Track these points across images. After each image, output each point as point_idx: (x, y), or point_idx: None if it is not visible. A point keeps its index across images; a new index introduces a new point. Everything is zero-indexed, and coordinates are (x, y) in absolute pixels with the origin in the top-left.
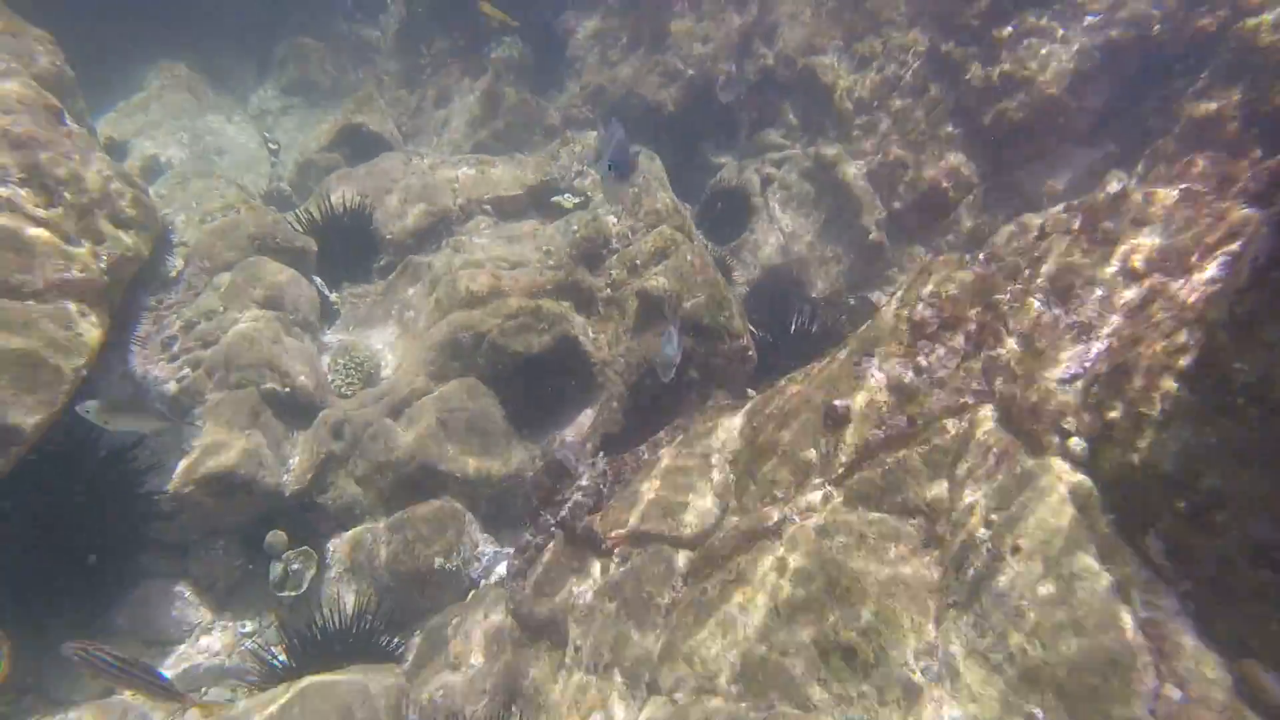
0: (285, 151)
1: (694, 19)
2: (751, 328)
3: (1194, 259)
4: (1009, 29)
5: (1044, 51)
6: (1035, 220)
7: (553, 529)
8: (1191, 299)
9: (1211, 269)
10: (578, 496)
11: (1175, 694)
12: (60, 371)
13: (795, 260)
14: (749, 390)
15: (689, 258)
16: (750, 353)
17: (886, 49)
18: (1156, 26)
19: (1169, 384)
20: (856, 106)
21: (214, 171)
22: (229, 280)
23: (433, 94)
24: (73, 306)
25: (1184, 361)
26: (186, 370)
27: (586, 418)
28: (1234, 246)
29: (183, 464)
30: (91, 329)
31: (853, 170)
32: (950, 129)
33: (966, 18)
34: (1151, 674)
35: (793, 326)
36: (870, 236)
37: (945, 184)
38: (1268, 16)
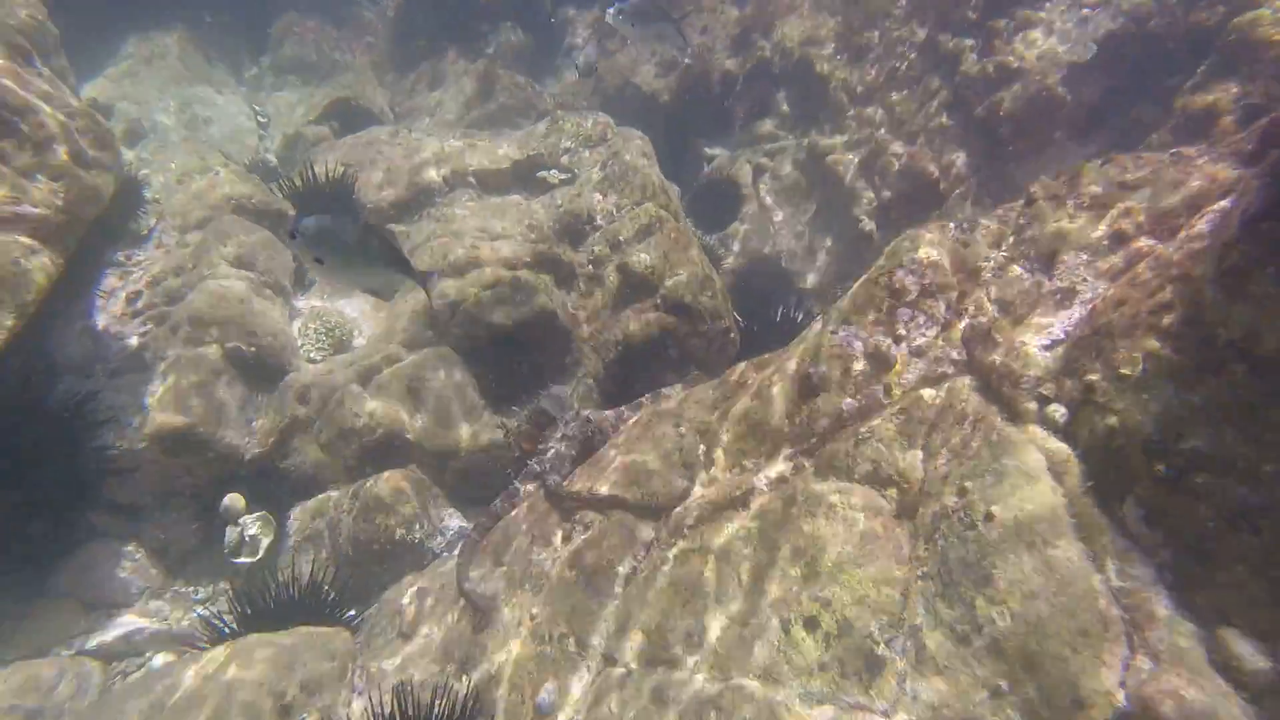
0: (274, 125)
1: (694, 9)
2: (737, 316)
3: (1182, 219)
4: (1005, 20)
5: (1040, 44)
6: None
7: (519, 490)
8: (1177, 257)
9: (1200, 225)
10: (560, 447)
11: (1146, 664)
12: (6, 305)
13: (785, 250)
14: None
15: (672, 236)
16: (732, 335)
17: (884, 40)
18: (1154, 20)
19: (1151, 343)
20: (851, 98)
21: (198, 140)
22: (199, 238)
23: (428, 75)
24: (23, 240)
25: (1168, 319)
26: (150, 326)
27: (563, 393)
28: (1224, 204)
29: (137, 420)
30: (42, 265)
31: (845, 161)
32: (945, 120)
33: (964, 10)
34: (1123, 644)
35: (778, 316)
36: (861, 226)
37: (937, 175)
38: (1266, 10)
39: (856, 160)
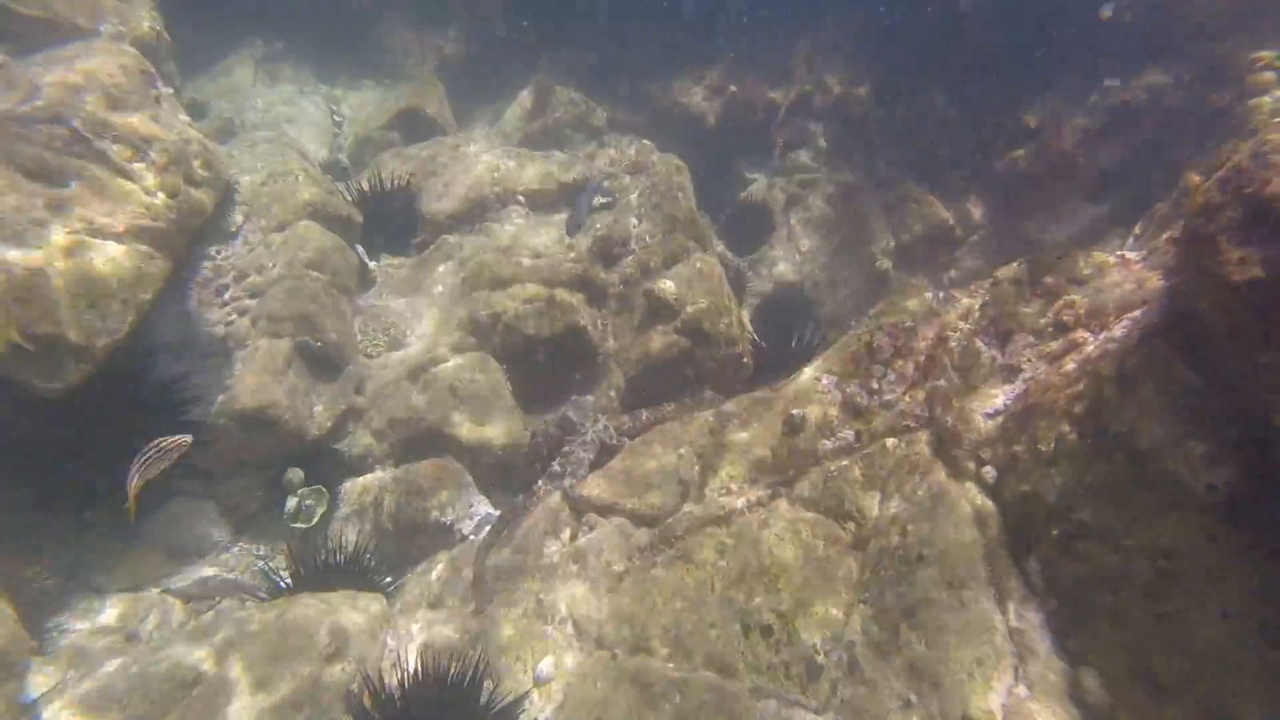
0: (348, 125)
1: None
2: (757, 337)
3: (1110, 319)
4: (1033, 80)
5: (1058, 108)
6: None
7: (541, 488)
8: (1094, 354)
9: (1116, 329)
10: (578, 452)
11: (1023, 691)
12: (127, 303)
13: (808, 279)
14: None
15: (698, 265)
16: (746, 360)
17: (913, 86)
18: (1169, 95)
19: (1064, 426)
20: (883, 141)
21: (280, 139)
22: (280, 240)
23: (490, 88)
24: (144, 248)
25: (1078, 408)
26: (234, 316)
27: (587, 402)
28: (1137, 313)
29: (220, 399)
30: (157, 269)
31: (869, 201)
32: (966, 173)
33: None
34: (1010, 674)
35: (794, 342)
36: (877, 265)
37: (953, 223)
38: (1267, 99)
39: (881, 200)
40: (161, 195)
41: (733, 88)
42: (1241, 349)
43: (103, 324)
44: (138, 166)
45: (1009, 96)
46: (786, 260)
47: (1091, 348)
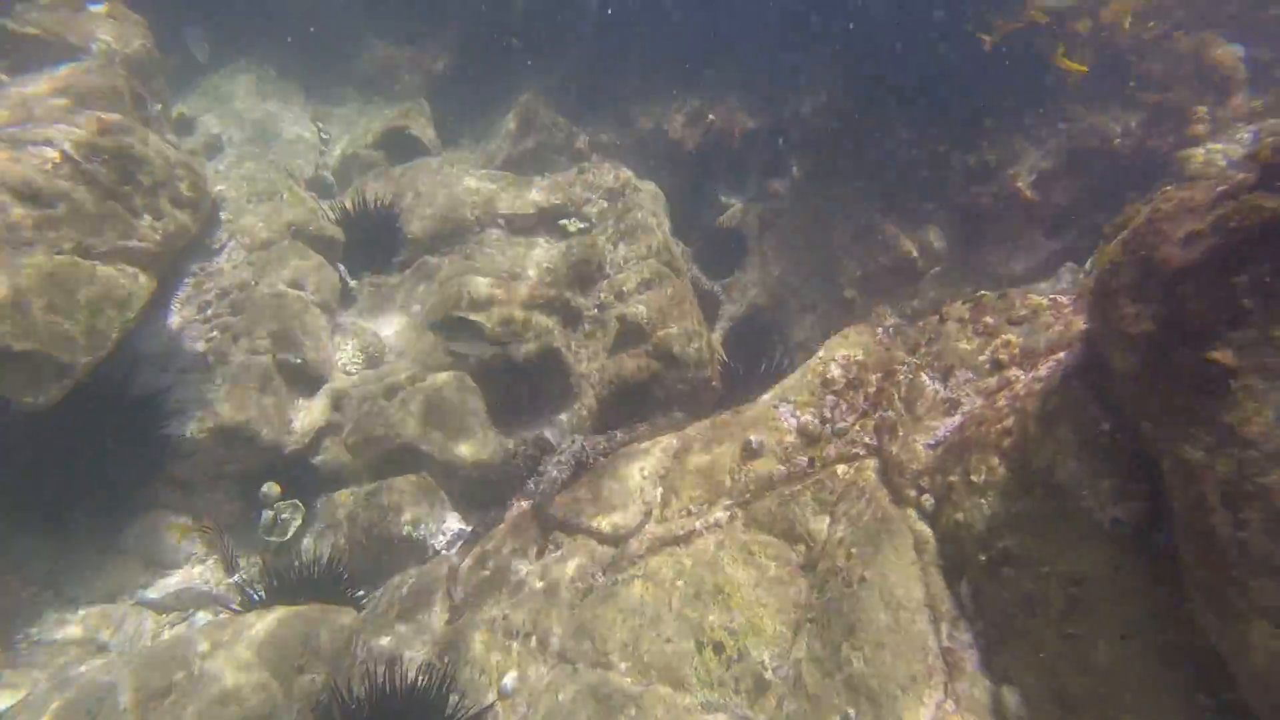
0: (334, 142)
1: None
2: (728, 359)
3: (1041, 359)
4: (993, 120)
5: (1017, 148)
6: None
7: (515, 505)
8: (1023, 392)
9: (1042, 369)
10: (552, 471)
11: (950, 706)
12: (112, 320)
13: (779, 304)
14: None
15: (669, 291)
16: (714, 384)
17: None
18: (1117, 140)
19: (993, 460)
20: (853, 171)
21: (267, 155)
22: (263, 259)
23: (475, 109)
24: (130, 268)
25: (1006, 443)
26: (215, 332)
27: (561, 421)
28: (1061, 354)
29: (200, 413)
30: (142, 288)
31: (840, 229)
32: (930, 206)
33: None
34: (941, 690)
35: (764, 366)
36: (844, 293)
37: (916, 254)
38: (1199, 151)
39: (851, 229)
40: (148, 217)
41: (711, 116)
42: (1137, 395)
43: (86, 342)
44: (125, 189)
45: (972, 134)
46: (758, 285)
47: (1020, 386)
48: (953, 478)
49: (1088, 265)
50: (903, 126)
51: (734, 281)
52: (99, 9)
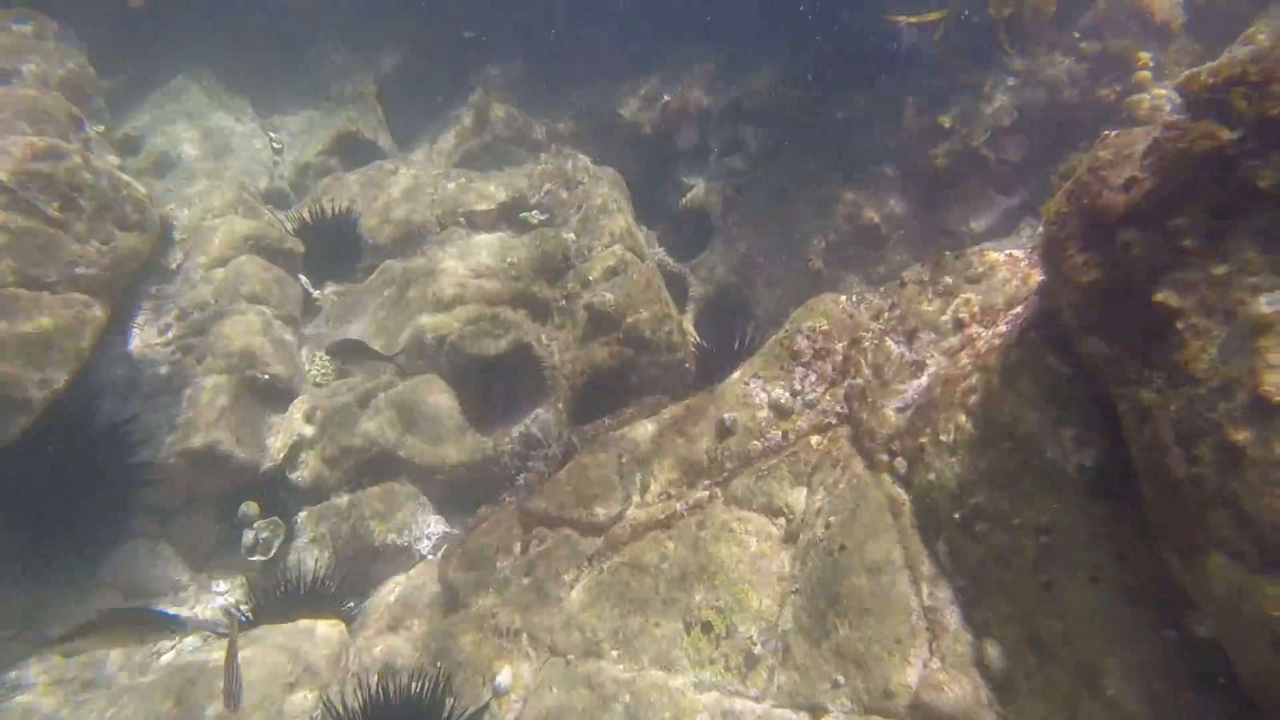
0: (288, 151)
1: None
2: (701, 340)
3: (1000, 315)
4: (944, 81)
5: (970, 108)
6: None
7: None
8: (984, 349)
9: (1002, 325)
10: (539, 465)
11: (936, 664)
12: (66, 352)
13: (746, 280)
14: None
15: (635, 277)
16: (688, 365)
17: (839, 89)
18: (1066, 91)
19: (960, 418)
20: (812, 142)
21: (219, 170)
22: (221, 275)
23: (429, 106)
24: (80, 296)
25: (972, 400)
26: (179, 355)
27: (539, 416)
28: (1018, 309)
29: (170, 439)
30: (95, 316)
31: (802, 201)
32: (889, 171)
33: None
34: (926, 649)
35: (736, 344)
36: (810, 265)
37: (879, 220)
38: (1145, 97)
39: (812, 202)
40: (94, 242)
41: (666, 97)
42: (1091, 342)
43: (40, 376)
44: (66, 215)
45: (926, 97)
46: (725, 263)
47: (982, 343)
48: (923, 439)
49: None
50: (858, 94)
51: (701, 262)
52: (25, 28)
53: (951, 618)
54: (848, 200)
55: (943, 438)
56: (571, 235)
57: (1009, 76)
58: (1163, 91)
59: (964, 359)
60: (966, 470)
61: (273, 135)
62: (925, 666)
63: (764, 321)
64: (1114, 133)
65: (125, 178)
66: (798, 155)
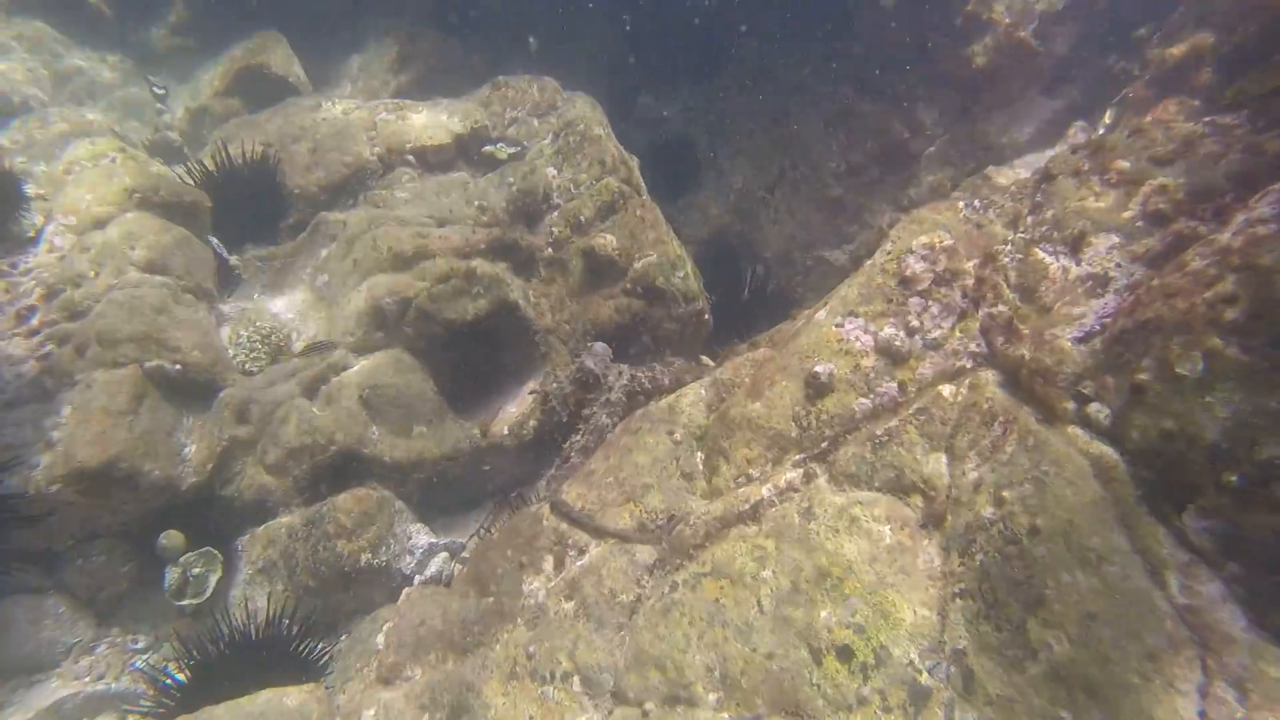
0: (174, 97)
1: None
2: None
3: (1229, 198)
4: None
5: None
6: (1000, 174)
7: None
8: (1238, 243)
9: (1261, 208)
10: (601, 416)
11: (1230, 694)
12: None
13: (747, 219)
14: (703, 358)
15: (638, 213)
16: (706, 316)
17: None
18: None
19: (1213, 341)
20: (810, 50)
21: (83, 115)
22: (101, 240)
23: (346, 37)
24: None
25: (1231, 314)
26: (49, 347)
27: (604, 350)
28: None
29: (45, 459)
30: None
31: (806, 121)
32: (910, 78)
33: None
34: (1197, 669)
35: (745, 289)
36: (828, 192)
37: (906, 134)
38: None
39: (823, 119)
40: None
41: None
42: None
43: None
44: None
45: None
46: (719, 201)
47: (1228, 236)
48: (1141, 375)
49: (1106, 118)
50: None
51: (690, 202)
52: None
53: (1232, 620)
54: (865, 113)
55: (1180, 370)
56: (551, 170)
57: None
58: None
59: (1195, 261)
60: (1240, 413)
61: (153, 80)
62: (1206, 694)
63: (773, 263)
64: None
65: None
66: (795, 67)
